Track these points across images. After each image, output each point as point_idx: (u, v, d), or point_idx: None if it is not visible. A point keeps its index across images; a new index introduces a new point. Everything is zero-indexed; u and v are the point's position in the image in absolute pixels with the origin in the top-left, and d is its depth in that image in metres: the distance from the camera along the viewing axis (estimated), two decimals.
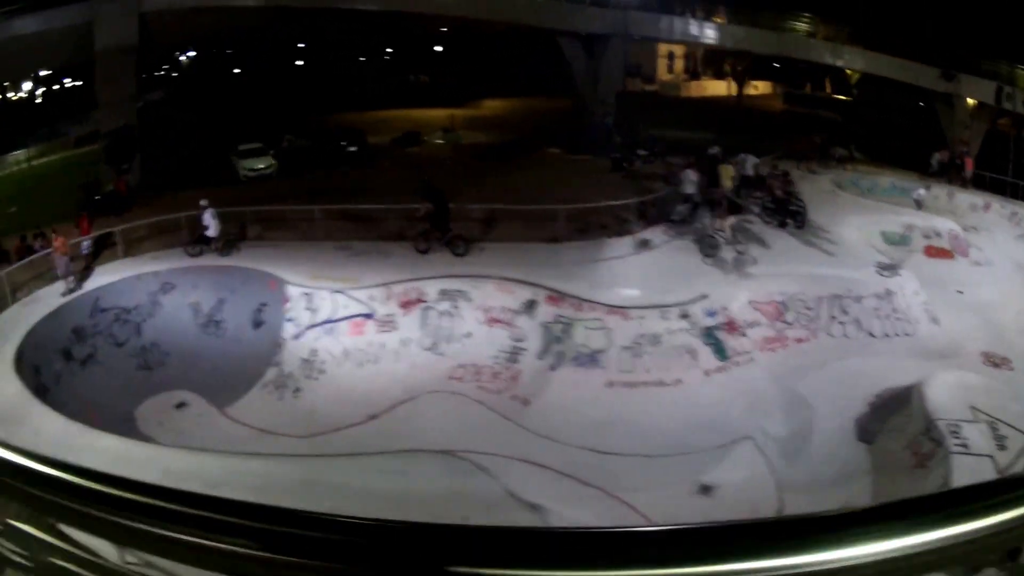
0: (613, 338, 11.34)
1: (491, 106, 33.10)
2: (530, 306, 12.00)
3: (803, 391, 11.02)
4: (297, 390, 12.10)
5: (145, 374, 13.28)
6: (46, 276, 14.29)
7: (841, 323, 12.15)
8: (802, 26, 21.36)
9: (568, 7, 21.36)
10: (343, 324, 12.32)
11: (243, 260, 14.09)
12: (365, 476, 7.66)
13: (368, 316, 12.27)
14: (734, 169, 15.48)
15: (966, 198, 16.67)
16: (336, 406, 11.66)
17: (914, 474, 7.88)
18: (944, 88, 19.02)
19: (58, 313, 12.79)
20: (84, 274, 13.66)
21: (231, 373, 13.00)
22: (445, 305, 12.41)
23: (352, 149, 22.72)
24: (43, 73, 26.88)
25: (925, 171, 17.77)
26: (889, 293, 12.14)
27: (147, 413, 11.93)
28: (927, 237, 14.68)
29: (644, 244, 13.82)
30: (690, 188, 14.74)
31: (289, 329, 12.74)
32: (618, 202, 15.19)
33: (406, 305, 12.43)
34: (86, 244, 14.93)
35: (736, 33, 21.99)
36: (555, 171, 19.86)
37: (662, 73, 37.68)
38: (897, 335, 11.79)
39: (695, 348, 11.41)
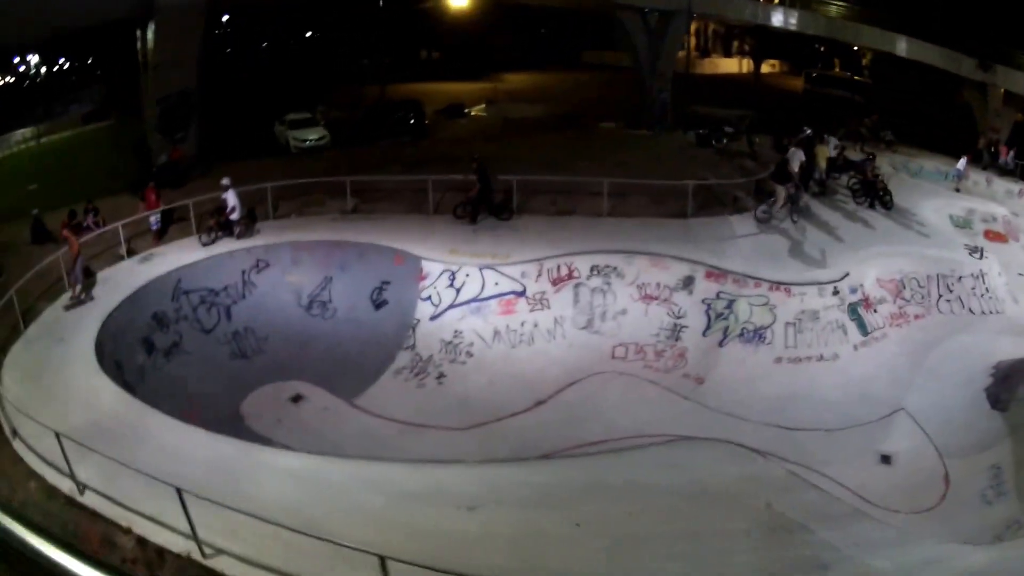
0: (778, 314, 11.82)
1: (514, 80, 32.79)
2: (688, 282, 12.35)
3: (931, 364, 12.05)
4: (441, 376, 11.84)
5: (241, 364, 12.59)
6: (107, 255, 13.44)
7: (948, 301, 13.48)
8: (838, 9, 22.51)
9: None
10: (493, 303, 12.00)
11: (350, 234, 13.32)
12: (647, 472, 7.68)
13: (520, 294, 12.09)
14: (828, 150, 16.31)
15: (1002, 184, 18.60)
16: (492, 392, 11.54)
17: None
18: (980, 78, 20.86)
19: (135, 298, 11.99)
20: (148, 256, 13.00)
21: (351, 360, 12.50)
22: (597, 281, 12.52)
23: (412, 120, 22.41)
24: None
25: (958, 156, 19.23)
26: (982, 273, 13.46)
27: (256, 409, 11.41)
28: (985, 221, 16.38)
29: (765, 222, 14.33)
30: (796, 166, 15.42)
31: (425, 309, 12.37)
32: (735, 180, 15.65)
33: (557, 282, 12.40)
34: (155, 219, 13.86)
35: (793, 16, 22.88)
36: (642, 148, 20.04)
37: None
38: (991, 313, 13.14)
39: (844, 324, 12.26)
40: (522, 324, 12.41)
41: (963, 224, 16.26)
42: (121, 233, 13.36)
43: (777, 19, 24.02)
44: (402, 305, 13.01)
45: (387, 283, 13.18)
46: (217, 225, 13.53)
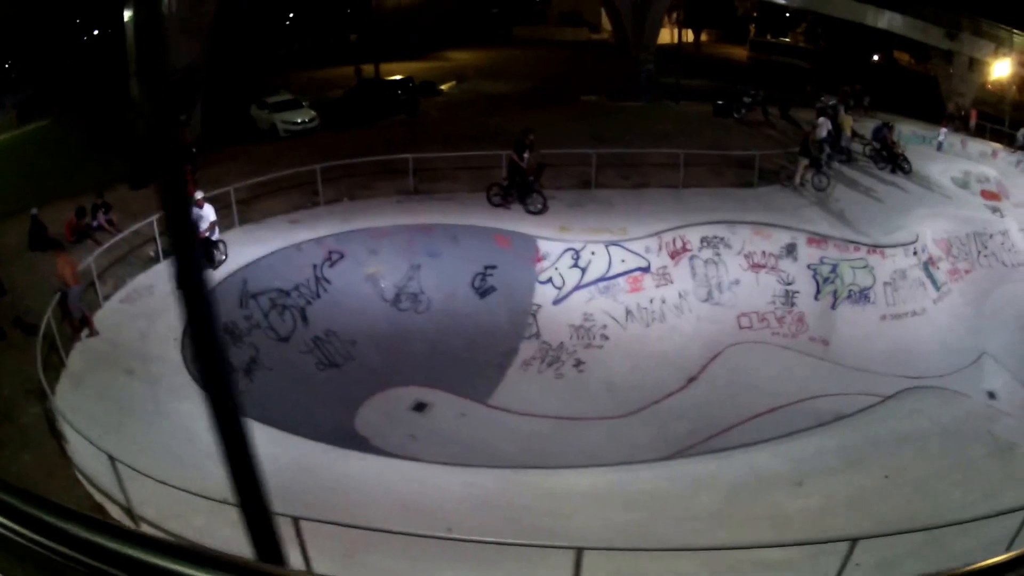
0: (876, 275, 13.04)
1: (458, 57, 32.20)
2: (791, 249, 13.22)
3: (990, 312, 13.99)
4: (579, 363, 11.71)
5: (332, 375, 11.73)
6: (136, 258, 12.15)
7: (985, 256, 15.73)
8: None
9: None
10: (621, 280, 11.94)
11: (423, 216, 12.60)
12: (901, 422, 8.34)
13: (645, 270, 12.17)
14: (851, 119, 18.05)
15: (976, 146, 21.71)
16: (639, 375, 11.68)
17: None
18: (947, 46, 24.12)
19: None
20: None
21: (461, 357, 12.02)
22: (708, 253, 13.05)
23: (404, 97, 22.20)
24: None
25: (936, 120, 22.13)
26: (1006, 230, 15.87)
27: (374, 426, 10.78)
28: (980, 182, 19.16)
29: (822, 190, 15.57)
30: (824, 134, 16.87)
31: (546, 292, 12.06)
32: (779, 151, 16.72)
33: (674, 255, 12.72)
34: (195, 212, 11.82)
35: None
36: (659, 119, 20.68)
37: (605, 22, 39.37)
38: (1019, 265, 15.49)
39: (923, 281, 13.75)
40: (651, 301, 12.51)
41: (963, 185, 18.87)
42: (156, 229, 11.32)
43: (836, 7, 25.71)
44: (514, 290, 12.47)
45: (492, 268, 12.54)
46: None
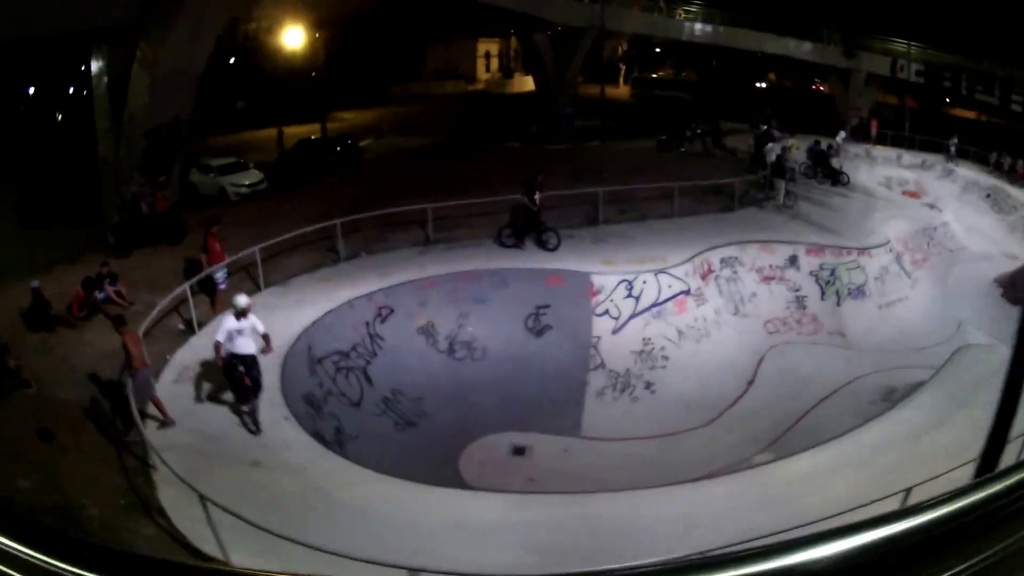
0: (867, 273, 18.03)
1: (348, 116, 35.74)
2: (793, 260, 17.87)
3: (953, 290, 19.63)
4: (649, 384, 14.97)
5: (413, 434, 14.14)
6: (162, 333, 13.13)
7: (934, 246, 21.60)
8: (721, 17, 31.99)
9: None
10: (669, 304, 15.60)
11: (444, 265, 15.63)
12: (961, 378, 12.50)
13: (687, 293, 15.88)
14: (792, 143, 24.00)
15: (880, 152, 29.00)
16: (706, 386, 15.14)
17: None
18: (845, 64, 31.90)
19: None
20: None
21: (530, 398, 14.85)
22: (727, 272, 17.21)
23: (346, 153, 25.53)
24: None
25: (832, 135, 29.21)
26: (946, 222, 22.17)
27: (484, 475, 12.68)
28: (900, 184, 25.98)
29: (789, 207, 20.77)
30: (773, 158, 22.44)
31: (604, 324, 15.31)
32: (741, 178, 21.87)
33: (704, 277, 16.60)
34: (222, 275, 13.95)
35: (698, 28, 31.21)
36: (606, 158, 25.45)
37: (480, 73, 45.43)
38: (961, 248, 21.67)
39: (900, 273, 19.11)
40: (695, 320, 16.10)
41: (887, 187, 25.23)
42: (189, 297, 13.04)
43: (686, 32, 32.15)
44: (571, 326, 15.39)
45: (545, 307, 15.38)
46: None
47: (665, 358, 15.54)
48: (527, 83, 50.63)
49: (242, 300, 10.55)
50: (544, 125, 30.64)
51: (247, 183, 21.60)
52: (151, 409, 10.36)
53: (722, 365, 15.74)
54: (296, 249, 15.85)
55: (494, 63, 52.09)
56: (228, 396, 11.09)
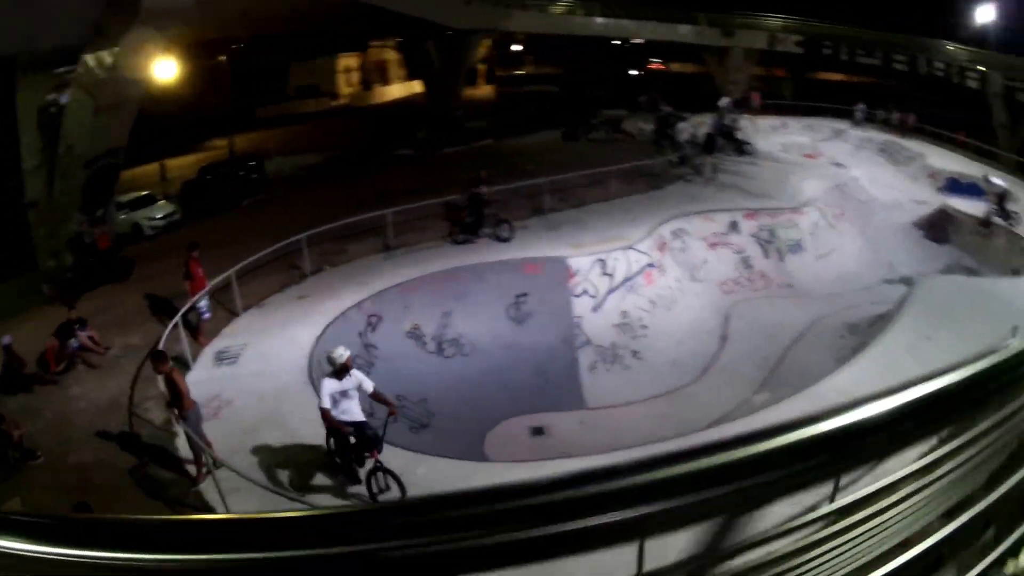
0: (802, 229, 22.21)
1: (222, 144, 36.78)
2: (734, 226, 21.65)
3: (874, 236, 24.34)
4: (635, 352, 18.15)
5: (428, 435, 16.05)
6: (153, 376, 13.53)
7: (846, 199, 26.30)
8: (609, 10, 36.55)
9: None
10: (639, 278, 18.87)
11: (414, 269, 18.09)
12: (932, 297, 16.51)
13: (652, 265, 19.23)
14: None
15: (765, 122, 34.25)
16: (687, 346, 18.52)
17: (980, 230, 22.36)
18: (724, 43, 37.06)
19: None
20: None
21: (527, 383, 17.60)
22: (678, 243, 20.69)
23: (254, 176, 26.98)
24: None
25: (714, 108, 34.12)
26: (856, 178, 27.08)
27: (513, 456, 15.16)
28: (799, 148, 31.03)
29: (713, 179, 24.90)
30: (686, 136, 26.67)
31: (584, 303, 18.25)
32: (651, 161, 25.76)
33: (661, 249, 19.99)
34: (205, 304, 15.68)
35: (597, 23, 35.31)
36: (517, 154, 28.61)
37: (342, 88, 48.39)
38: (874, 199, 26.63)
39: (828, 226, 23.49)
40: (662, 289, 19.31)
41: (787, 152, 30.09)
42: (181, 329, 14.24)
43: (578, 27, 36.19)
44: (553, 309, 18.12)
45: (524, 295, 18.02)
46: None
47: (644, 327, 18.54)
48: (388, 93, 55.73)
49: (342, 352, 9.93)
50: (435, 129, 33.46)
51: (160, 216, 22.82)
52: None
53: (694, 326, 18.98)
54: (258, 271, 17.43)
55: (354, 77, 56.30)
56: (260, 435, 11.69)
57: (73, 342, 14.35)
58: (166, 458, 11.24)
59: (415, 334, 17.02)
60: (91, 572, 1.28)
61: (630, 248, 19.28)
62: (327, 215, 19.97)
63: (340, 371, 9.87)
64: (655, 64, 54.49)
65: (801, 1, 37.64)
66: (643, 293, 19.08)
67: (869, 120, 33.56)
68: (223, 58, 38.93)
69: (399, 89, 57.33)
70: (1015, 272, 19.38)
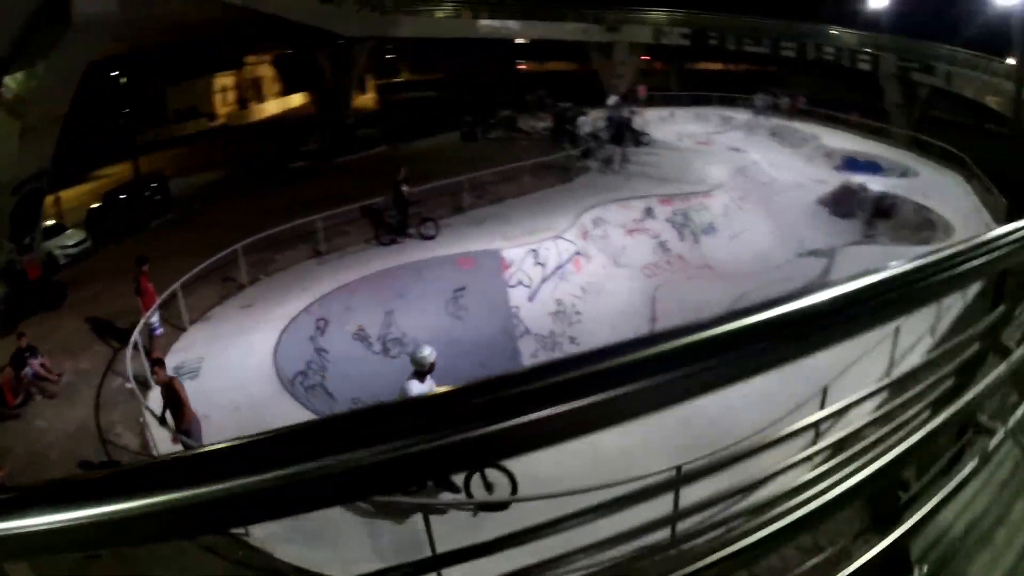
0: (713, 213, 25.31)
1: (116, 171, 37.41)
2: (648, 212, 24.51)
3: (787, 214, 27.82)
4: (573, 338, 20.54)
5: None
6: (119, 399, 14.69)
7: (749, 182, 29.70)
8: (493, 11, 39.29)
9: (327, 7, 31.79)
10: (569, 266, 21.33)
11: (354, 271, 20.01)
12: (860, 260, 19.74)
13: (579, 253, 21.72)
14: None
15: (653, 113, 37.75)
16: (620, 330, 21.01)
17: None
18: (609, 38, 40.37)
19: None
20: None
21: (480, 371, 19.15)
22: (599, 231, 23.29)
23: (158, 197, 28.21)
24: None
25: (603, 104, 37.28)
26: (755, 161, 30.62)
27: None
28: (691, 137, 34.60)
29: (623, 169, 27.87)
30: (587, 129, 29.63)
31: (519, 294, 20.54)
32: (556, 156, 28.49)
33: (584, 237, 22.54)
34: (157, 319, 16.64)
35: (493, 25, 37.85)
36: (427, 155, 30.78)
37: (220, 108, 50.10)
38: (775, 181, 30.19)
39: (736, 207, 26.71)
40: (591, 275, 21.69)
41: (681, 141, 33.45)
42: (140, 347, 15.40)
43: (468, 30, 38.59)
44: (490, 301, 20.21)
45: (461, 289, 20.06)
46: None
47: (578, 313, 20.88)
48: (265, 110, 58.20)
49: (429, 353, 10.21)
50: (327, 140, 35.15)
51: (72, 243, 23.46)
52: None
53: (625, 310, 21.44)
54: (194, 285, 18.49)
55: (230, 96, 58.17)
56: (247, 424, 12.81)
57: (28, 371, 14.64)
58: None
59: (361, 335, 18.68)
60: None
61: (559, 238, 21.64)
62: (240, 229, 21.16)
63: (425, 373, 10.10)
64: (523, 65, 58.76)
65: None
66: (574, 280, 21.42)
67: (772, 108, 37.34)
68: (101, 84, 39.50)
69: (275, 105, 59.63)
70: (921, 240, 22.80)
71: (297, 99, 60.86)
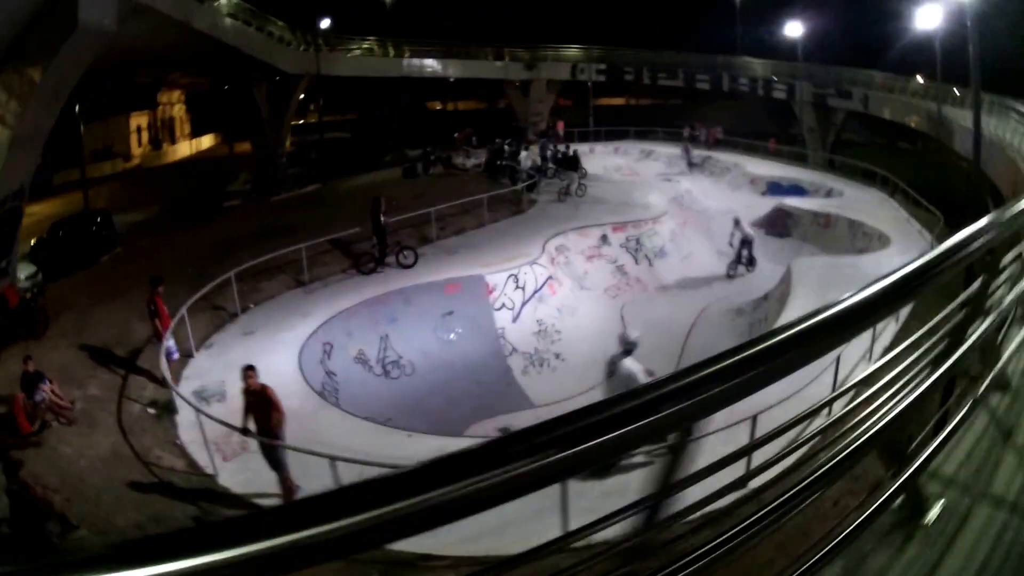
0: (663, 237, 27.67)
1: (37, 211, 36.79)
2: (604, 239, 26.65)
3: (722, 237, 30.32)
4: (557, 355, 22.30)
5: None
6: (140, 422, 15.04)
7: (685, 209, 32.29)
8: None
9: (275, 44, 32.72)
10: (545, 289, 23.13)
11: (366, 292, 21.31)
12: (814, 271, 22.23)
13: (551, 278, 23.54)
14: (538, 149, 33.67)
15: (582, 147, 40.26)
16: (599, 347, 22.49)
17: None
18: (527, 76, 42.72)
19: None
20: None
21: (476, 389, 21.02)
22: (563, 258, 25.27)
23: (104, 232, 28.59)
24: None
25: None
26: (688, 190, 33.32)
27: None
28: (616, 170, 37.03)
29: (564, 201, 29.96)
30: (528, 164, 31.78)
31: (504, 316, 22.27)
32: (505, 190, 30.32)
33: (552, 263, 24.37)
34: (172, 343, 17.47)
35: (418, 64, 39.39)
36: (371, 191, 31.90)
37: (134, 148, 50.42)
38: (705, 208, 32.89)
39: (681, 231, 29.13)
40: (564, 298, 23.46)
41: (611, 173, 35.93)
42: (166, 371, 15.71)
43: (404, 69, 40.21)
44: (477, 324, 21.65)
45: (449, 313, 21.45)
46: None
47: (558, 332, 22.54)
48: (177, 151, 59.68)
49: (638, 336, 12.40)
50: (261, 177, 35.85)
51: (25, 277, 22.96)
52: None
53: (598, 327, 23.16)
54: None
55: (144, 136, 58.66)
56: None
57: (42, 396, 14.16)
58: (225, 498, 12.16)
59: (361, 358, 19.69)
60: None
61: (534, 263, 23.36)
62: (192, 263, 22.47)
63: (630, 351, 11.99)
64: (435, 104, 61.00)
65: (601, 30, 44.72)
66: (550, 303, 23.16)
67: (691, 140, 40.31)
68: None
69: (187, 147, 60.80)
70: (860, 251, 25.52)
71: (209, 141, 62.01)
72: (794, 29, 42.43)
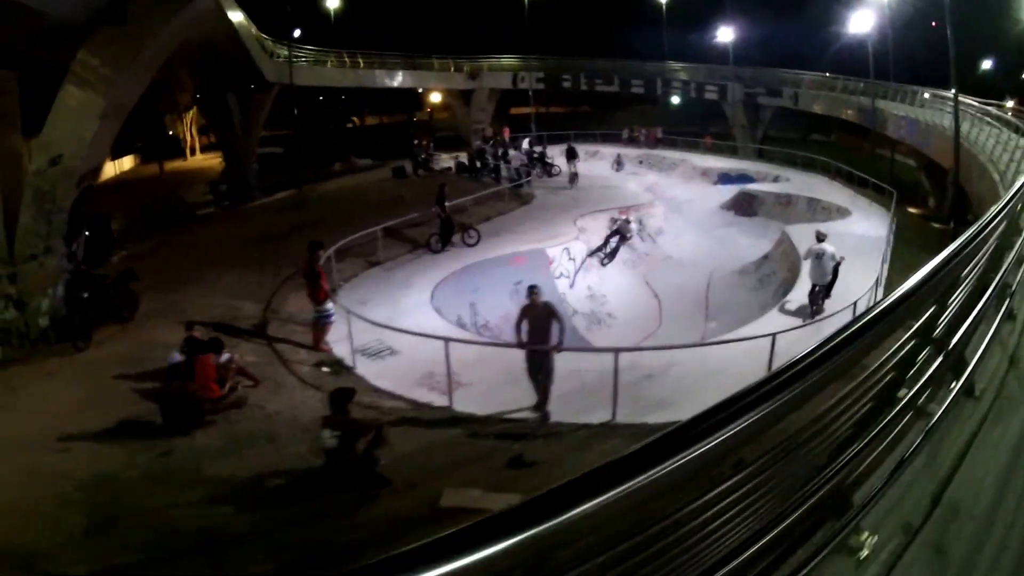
0: (659, 219, 32.60)
1: None
2: (614, 220, 31.03)
3: (703, 219, 35.73)
4: (610, 314, 26.57)
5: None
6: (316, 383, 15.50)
7: (664, 197, 37.09)
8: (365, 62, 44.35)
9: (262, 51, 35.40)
10: (588, 261, 27.24)
11: (446, 267, 25.17)
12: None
13: (591, 254, 27.72)
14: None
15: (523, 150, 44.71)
16: (637, 307, 27.48)
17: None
18: (471, 86, 46.81)
19: None
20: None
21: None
22: (585, 236, 29.42)
23: (103, 238, 29.15)
24: None
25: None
26: (656, 182, 38.40)
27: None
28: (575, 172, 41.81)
29: (573, 186, 34.47)
30: (517, 163, 36.23)
31: (562, 284, 26.42)
32: (501, 187, 34.39)
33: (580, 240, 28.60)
34: (331, 307, 18.75)
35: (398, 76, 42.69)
36: (366, 192, 35.17)
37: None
38: (675, 196, 37.95)
39: (669, 216, 33.89)
40: (599, 268, 27.51)
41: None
42: (350, 338, 18.47)
43: (376, 80, 43.20)
44: (542, 290, 25.17)
45: (519, 282, 25.06)
46: None
47: (604, 295, 26.79)
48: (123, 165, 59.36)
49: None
50: (234, 185, 37.96)
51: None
52: None
53: (632, 292, 27.86)
54: (282, 290, 21.65)
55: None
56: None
57: (227, 358, 14.25)
58: (478, 420, 13.50)
59: (460, 323, 22.92)
60: None
61: (576, 239, 27.39)
62: (253, 253, 25.41)
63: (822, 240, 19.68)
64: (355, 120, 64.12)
65: (538, 40, 49.33)
66: (592, 273, 27.63)
67: (633, 140, 45.64)
68: None
69: (110, 168, 58.62)
70: (827, 220, 30.95)
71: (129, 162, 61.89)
72: (725, 35, 49.31)
